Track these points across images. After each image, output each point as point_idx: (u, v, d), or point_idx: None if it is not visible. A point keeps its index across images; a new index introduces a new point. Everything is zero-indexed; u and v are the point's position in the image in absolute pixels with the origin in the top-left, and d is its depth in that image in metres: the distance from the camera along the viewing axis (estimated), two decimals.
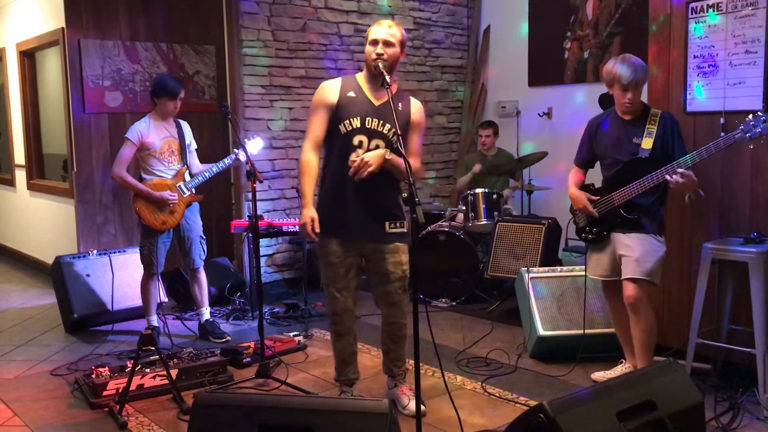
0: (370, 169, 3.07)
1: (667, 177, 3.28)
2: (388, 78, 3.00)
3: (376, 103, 3.20)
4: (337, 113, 3.19)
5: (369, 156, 3.09)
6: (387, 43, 3.12)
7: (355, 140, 3.17)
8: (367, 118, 3.17)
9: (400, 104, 3.20)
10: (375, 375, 3.78)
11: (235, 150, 4.50)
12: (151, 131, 4.38)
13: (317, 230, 3.12)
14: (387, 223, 3.22)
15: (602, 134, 3.59)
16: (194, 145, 4.65)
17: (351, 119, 3.17)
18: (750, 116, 3.15)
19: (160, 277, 4.59)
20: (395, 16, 6.43)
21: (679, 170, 3.24)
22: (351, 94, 3.21)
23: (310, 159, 3.20)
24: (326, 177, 3.30)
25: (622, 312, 3.56)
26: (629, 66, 3.37)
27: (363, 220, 3.20)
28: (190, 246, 4.53)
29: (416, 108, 3.30)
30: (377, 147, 3.17)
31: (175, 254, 4.63)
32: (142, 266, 4.55)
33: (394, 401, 3.35)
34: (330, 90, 3.22)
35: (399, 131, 2.90)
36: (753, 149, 3.51)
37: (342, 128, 3.18)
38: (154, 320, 4.57)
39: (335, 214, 3.21)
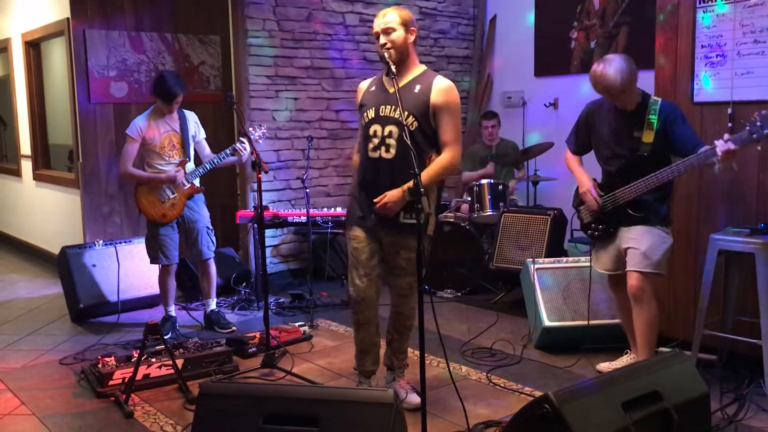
0: (392, 211, 3.10)
1: (717, 143, 3.08)
2: (393, 68, 3.05)
3: (391, 90, 3.18)
4: (361, 109, 3.31)
5: (390, 200, 3.08)
6: (386, 32, 3.15)
7: (371, 130, 3.21)
8: (381, 107, 3.19)
9: (418, 86, 3.14)
10: (380, 367, 3.77)
11: (241, 139, 4.43)
12: (150, 126, 4.37)
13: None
14: (402, 213, 3.14)
15: (600, 123, 3.52)
16: (202, 135, 4.61)
17: (368, 111, 3.24)
18: (756, 115, 3.03)
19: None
20: (401, 6, 6.38)
21: (728, 145, 3.06)
22: (372, 88, 3.31)
23: None
24: (358, 168, 3.37)
25: (628, 303, 3.55)
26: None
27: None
28: (197, 237, 4.52)
29: (438, 90, 3.11)
30: (390, 133, 3.15)
31: (181, 245, 4.62)
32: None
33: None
34: (359, 90, 3.39)
35: (416, 116, 3.01)
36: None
37: (362, 121, 3.28)
38: (172, 310, 4.59)
39: (358, 202, 3.29)
